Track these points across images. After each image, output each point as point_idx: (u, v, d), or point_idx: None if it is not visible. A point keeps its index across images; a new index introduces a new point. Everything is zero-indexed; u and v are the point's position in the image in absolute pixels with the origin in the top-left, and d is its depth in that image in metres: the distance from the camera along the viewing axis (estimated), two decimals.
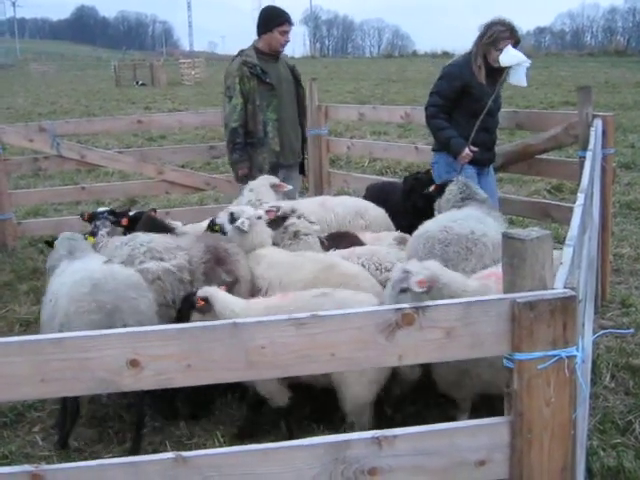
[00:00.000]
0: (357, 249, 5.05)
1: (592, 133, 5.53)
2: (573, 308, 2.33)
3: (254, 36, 7.16)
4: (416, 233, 4.88)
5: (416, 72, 39.90)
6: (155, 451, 4.13)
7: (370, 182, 7.78)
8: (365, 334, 2.30)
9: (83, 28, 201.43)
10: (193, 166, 12.28)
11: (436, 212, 5.49)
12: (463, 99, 6.13)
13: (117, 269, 4.30)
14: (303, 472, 2.34)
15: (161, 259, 4.70)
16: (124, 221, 5.67)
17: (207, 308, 4.12)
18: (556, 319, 2.31)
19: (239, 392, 4.68)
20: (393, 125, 16.25)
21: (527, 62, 6.01)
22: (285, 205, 5.64)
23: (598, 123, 5.87)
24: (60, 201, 10.12)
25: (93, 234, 5.43)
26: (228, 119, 6.90)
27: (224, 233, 5.16)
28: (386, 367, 3.83)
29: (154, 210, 6.11)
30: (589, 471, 3.74)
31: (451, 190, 5.46)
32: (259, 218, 5.08)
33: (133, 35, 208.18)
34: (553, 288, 2.37)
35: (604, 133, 5.94)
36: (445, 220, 4.88)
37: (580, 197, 3.66)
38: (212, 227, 5.41)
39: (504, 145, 7.69)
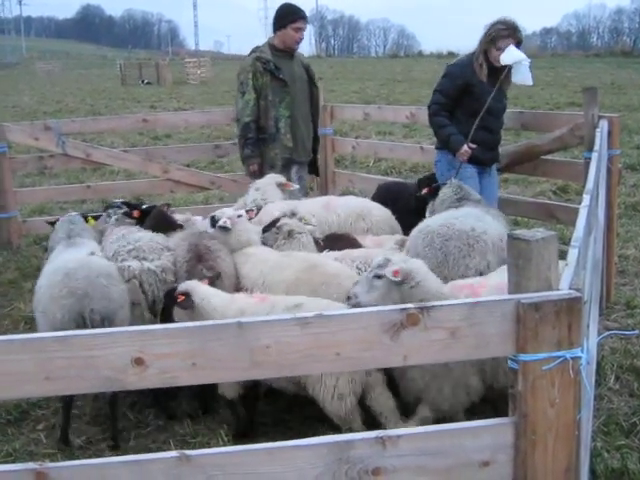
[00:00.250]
0: (352, 252, 5.02)
1: (598, 134, 5.53)
2: (578, 309, 2.33)
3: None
4: (416, 228, 4.92)
5: (422, 72, 39.86)
6: (159, 450, 4.14)
7: (375, 182, 7.77)
8: (370, 334, 2.30)
9: (89, 27, 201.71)
10: (198, 165, 12.29)
11: (428, 214, 5.50)
12: (464, 98, 6.19)
13: (93, 259, 4.51)
14: (306, 472, 2.34)
15: (144, 259, 4.76)
16: (135, 213, 5.72)
17: (188, 303, 4.15)
18: (561, 320, 2.30)
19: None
20: (398, 125, 16.23)
21: (526, 60, 6.03)
22: (287, 206, 5.64)
23: (604, 124, 5.86)
24: (65, 199, 10.13)
25: (96, 217, 5.64)
26: (241, 114, 6.92)
27: None
28: (359, 379, 3.87)
29: (168, 205, 6.11)
30: (593, 473, 3.73)
31: (445, 192, 5.50)
32: (239, 217, 5.16)
33: (139, 34, 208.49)
34: (558, 289, 2.37)
35: (610, 134, 5.93)
36: (445, 217, 4.91)
37: (585, 198, 3.65)
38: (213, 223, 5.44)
39: (509, 146, 7.68)
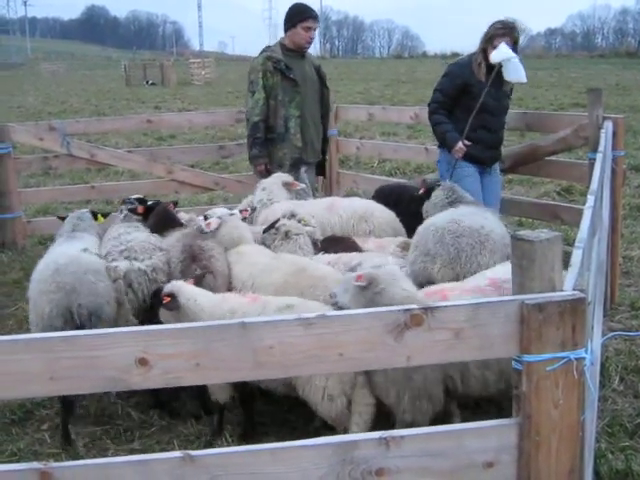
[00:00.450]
0: (345, 255, 4.96)
1: (602, 135, 5.52)
2: (582, 310, 2.33)
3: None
4: (422, 226, 4.87)
5: (426, 73, 39.85)
6: (163, 450, 4.14)
7: (379, 183, 7.74)
8: (373, 335, 2.30)
9: (94, 28, 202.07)
10: (202, 166, 12.29)
11: (424, 214, 5.50)
12: (463, 97, 6.25)
13: (83, 256, 4.61)
14: (310, 472, 2.34)
15: (135, 259, 4.79)
16: (140, 209, 5.76)
17: (173, 305, 4.13)
18: (565, 321, 2.30)
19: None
20: (402, 126, 16.23)
21: (515, 58, 6.06)
22: (285, 208, 5.63)
23: (608, 125, 5.86)
24: (70, 200, 10.14)
25: (105, 215, 5.76)
26: (250, 113, 6.89)
27: None
28: (348, 380, 3.85)
29: (175, 203, 6.14)
30: (597, 474, 3.72)
31: (437, 195, 5.52)
32: (231, 215, 5.21)
33: (144, 35, 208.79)
34: (562, 290, 2.37)
35: (614, 135, 5.92)
36: (452, 214, 4.88)
37: (590, 199, 3.65)
38: None
39: (513, 146, 7.68)
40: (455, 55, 55.02)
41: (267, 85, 6.83)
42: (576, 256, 2.70)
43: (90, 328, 4.29)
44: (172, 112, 21.10)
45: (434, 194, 5.53)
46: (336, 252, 5.05)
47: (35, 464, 2.32)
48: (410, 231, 5.61)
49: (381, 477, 2.37)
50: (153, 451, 4.12)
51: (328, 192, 8.65)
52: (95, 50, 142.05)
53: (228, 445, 4.14)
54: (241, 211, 5.50)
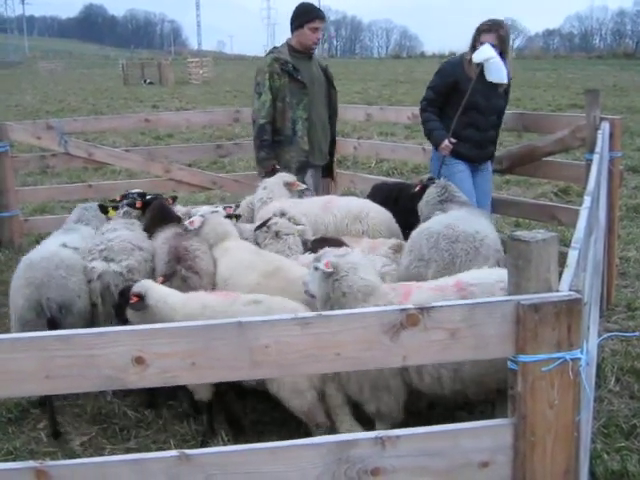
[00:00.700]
0: None
1: (599, 136, 5.52)
2: (578, 311, 2.33)
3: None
4: (417, 230, 4.88)
5: (424, 73, 39.79)
6: (159, 449, 4.14)
7: (377, 183, 7.72)
8: (370, 334, 2.30)
9: (91, 26, 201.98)
10: (200, 165, 12.30)
11: (419, 212, 5.54)
12: (454, 94, 6.28)
13: (60, 251, 4.82)
14: (306, 471, 2.34)
15: (112, 260, 4.83)
16: (138, 204, 5.79)
17: (141, 306, 4.11)
18: (561, 321, 2.31)
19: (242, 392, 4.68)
20: (400, 126, 16.23)
21: (493, 58, 6.07)
22: (277, 206, 5.62)
23: (605, 126, 5.86)
24: (67, 199, 10.12)
25: (115, 208, 5.83)
26: (256, 115, 6.77)
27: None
28: (316, 377, 3.89)
29: (174, 199, 6.17)
30: (593, 475, 3.73)
31: (430, 192, 5.54)
32: (214, 212, 5.26)
33: (141, 34, 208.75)
34: (558, 290, 2.37)
35: (611, 136, 5.92)
36: (446, 218, 4.89)
37: (586, 200, 3.65)
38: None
39: (511, 147, 7.68)
40: (453, 55, 55.01)
41: (274, 87, 6.71)
42: (572, 257, 2.71)
43: (61, 321, 4.50)
44: (170, 111, 21.10)
45: (427, 192, 5.56)
46: None
47: (31, 463, 2.32)
48: (409, 227, 5.54)
49: (377, 476, 2.38)
50: (149, 450, 4.12)
51: (326, 192, 8.63)
52: (93, 49, 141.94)
53: (224, 444, 4.14)
54: (225, 208, 5.52)
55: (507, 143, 12.09)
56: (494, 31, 6.13)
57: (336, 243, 5.28)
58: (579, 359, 2.36)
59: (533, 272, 2.34)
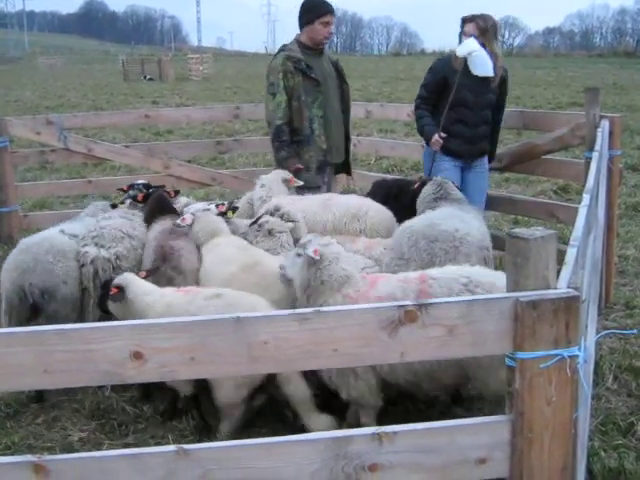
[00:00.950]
0: None
1: (599, 134, 5.52)
2: (576, 308, 2.33)
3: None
4: (400, 228, 4.96)
5: (424, 70, 39.37)
6: (157, 444, 4.15)
7: (377, 180, 7.70)
8: (368, 330, 2.30)
9: (92, 22, 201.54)
10: (200, 161, 12.27)
11: (417, 209, 5.54)
12: (446, 91, 6.31)
13: (54, 236, 4.92)
14: (304, 467, 2.35)
15: (102, 246, 4.93)
16: (140, 196, 5.88)
17: (119, 297, 4.20)
18: (559, 319, 2.31)
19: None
20: (400, 123, 16.22)
21: (476, 51, 6.08)
22: (270, 202, 5.60)
23: (605, 124, 5.86)
24: (66, 194, 10.14)
25: (123, 202, 5.95)
26: (272, 117, 6.55)
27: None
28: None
29: (176, 192, 6.22)
30: (590, 472, 3.73)
31: (426, 190, 5.56)
32: (206, 210, 5.27)
33: (142, 30, 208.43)
34: (556, 288, 2.38)
35: (611, 134, 5.92)
36: (429, 218, 4.93)
37: (585, 198, 3.65)
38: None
39: (510, 145, 7.68)
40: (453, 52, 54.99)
41: (288, 86, 6.49)
42: (571, 254, 2.71)
43: (44, 307, 4.56)
44: (170, 107, 21.04)
45: (424, 189, 5.58)
46: None
47: (29, 457, 2.32)
48: None
49: (374, 472, 2.38)
50: (147, 445, 4.13)
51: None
52: (93, 44, 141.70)
53: (222, 440, 4.14)
54: (217, 205, 5.51)
55: (507, 141, 12.09)
56: (474, 21, 6.19)
57: None
58: (577, 356, 2.36)
59: (531, 269, 2.35)
